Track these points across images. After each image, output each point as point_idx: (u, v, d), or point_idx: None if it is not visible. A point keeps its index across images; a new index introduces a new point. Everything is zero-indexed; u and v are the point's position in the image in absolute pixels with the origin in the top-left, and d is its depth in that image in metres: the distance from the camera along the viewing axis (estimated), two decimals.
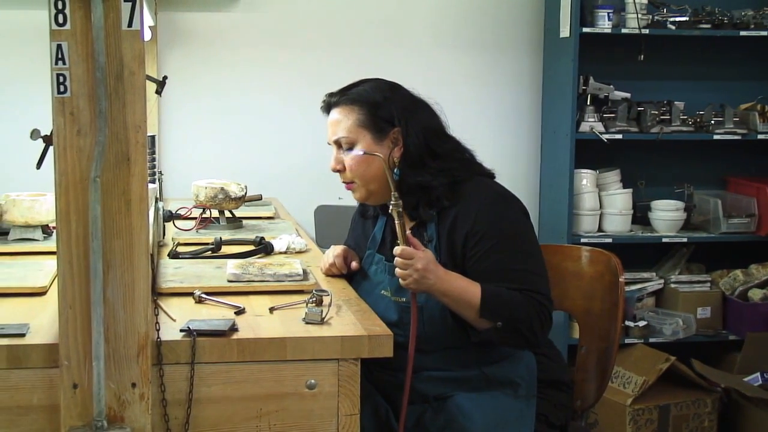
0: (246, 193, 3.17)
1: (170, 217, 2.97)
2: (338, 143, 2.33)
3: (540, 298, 2.16)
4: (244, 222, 3.20)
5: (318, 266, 2.52)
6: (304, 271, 2.35)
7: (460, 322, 2.20)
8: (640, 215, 4.20)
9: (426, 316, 2.20)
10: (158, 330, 1.84)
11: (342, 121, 2.31)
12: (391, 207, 2.10)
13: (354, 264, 2.45)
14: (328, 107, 2.36)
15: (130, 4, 1.66)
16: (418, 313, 2.14)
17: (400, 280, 2.11)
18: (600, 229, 4.12)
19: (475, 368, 2.24)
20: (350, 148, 2.30)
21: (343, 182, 2.37)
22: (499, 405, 2.19)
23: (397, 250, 2.09)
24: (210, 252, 2.71)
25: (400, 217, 2.09)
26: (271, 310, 2.08)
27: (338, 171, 2.34)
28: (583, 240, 3.98)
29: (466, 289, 2.12)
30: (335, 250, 2.48)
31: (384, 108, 2.29)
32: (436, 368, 2.23)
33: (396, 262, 2.10)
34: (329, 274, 2.46)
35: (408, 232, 2.11)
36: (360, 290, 2.35)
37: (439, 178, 2.20)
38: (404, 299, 2.26)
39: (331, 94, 2.36)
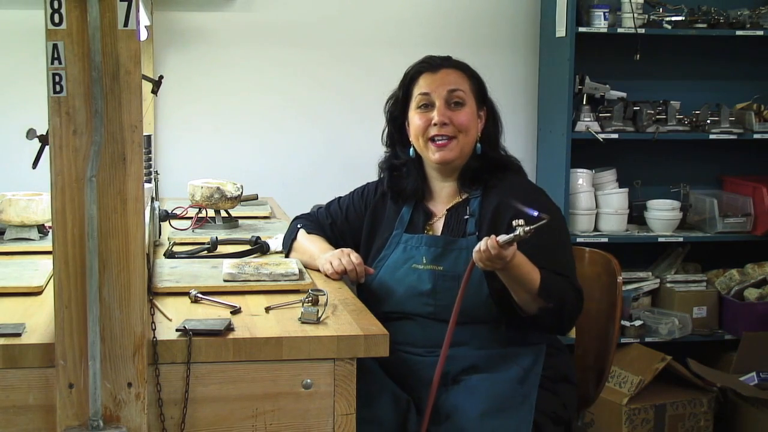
0: (242, 193, 3.17)
1: (166, 216, 2.97)
2: (450, 98, 2.38)
3: (578, 286, 2.24)
4: (240, 222, 3.19)
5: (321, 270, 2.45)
6: (300, 271, 2.35)
7: (495, 296, 2.23)
8: (636, 215, 4.20)
9: None
10: (154, 330, 1.84)
11: (459, 80, 2.42)
12: (531, 227, 2.01)
13: (370, 269, 2.42)
14: (438, 66, 2.43)
15: (126, 3, 1.66)
16: (452, 282, 2.23)
17: (475, 254, 2.06)
18: (596, 229, 4.12)
19: (497, 347, 2.27)
20: (457, 104, 2.38)
21: (441, 135, 2.36)
22: (503, 389, 2.20)
23: (494, 242, 2.02)
24: (206, 251, 2.70)
25: (526, 234, 2.01)
26: (267, 309, 2.08)
27: (444, 124, 2.37)
28: (579, 240, 3.98)
29: (529, 274, 2.12)
30: (353, 257, 2.41)
31: (484, 87, 2.47)
32: (460, 343, 2.24)
33: (490, 249, 2.02)
34: (336, 278, 2.40)
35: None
36: (383, 271, 2.38)
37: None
38: (441, 267, 2.30)
39: (443, 57, 2.47)
